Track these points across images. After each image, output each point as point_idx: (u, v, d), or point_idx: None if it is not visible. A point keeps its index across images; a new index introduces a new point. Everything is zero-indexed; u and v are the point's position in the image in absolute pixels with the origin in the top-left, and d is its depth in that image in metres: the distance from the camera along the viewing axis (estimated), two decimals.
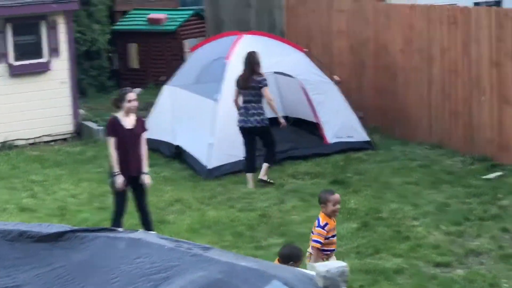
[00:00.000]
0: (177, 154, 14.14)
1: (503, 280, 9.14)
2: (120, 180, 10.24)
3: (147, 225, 10.43)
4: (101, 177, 13.57)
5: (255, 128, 12.83)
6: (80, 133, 16.55)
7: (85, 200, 12.62)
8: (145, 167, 10.44)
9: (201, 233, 10.92)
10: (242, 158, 13.22)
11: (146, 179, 10.42)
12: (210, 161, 13.31)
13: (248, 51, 13.10)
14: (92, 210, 12.09)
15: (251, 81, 12.76)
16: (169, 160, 14.17)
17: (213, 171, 13.28)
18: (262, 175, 12.85)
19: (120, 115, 10.44)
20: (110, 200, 12.37)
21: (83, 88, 19.56)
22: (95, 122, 16.64)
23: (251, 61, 12.81)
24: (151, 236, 6.21)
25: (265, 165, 12.91)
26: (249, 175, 12.88)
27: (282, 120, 13.11)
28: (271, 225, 11.17)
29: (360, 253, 10.02)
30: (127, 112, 10.40)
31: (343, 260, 9.58)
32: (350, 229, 10.81)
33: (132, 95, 10.48)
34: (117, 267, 5.81)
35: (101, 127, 16.12)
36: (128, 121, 10.40)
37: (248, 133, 12.90)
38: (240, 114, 12.88)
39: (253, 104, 12.76)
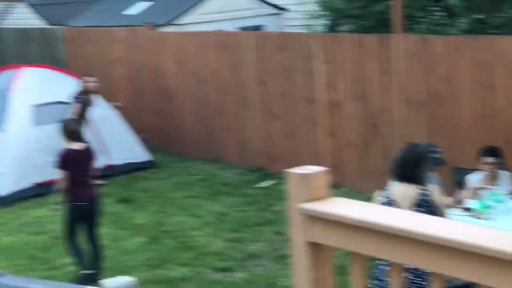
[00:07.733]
0: None
1: (280, 278, 9.14)
2: None
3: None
4: None
5: None
6: None
7: None
8: None
9: None
10: (33, 184, 12.80)
11: None
12: (2, 189, 12.66)
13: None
14: None
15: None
16: None
17: (5, 199, 12.64)
18: None
19: None
20: None
21: None
22: None
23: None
24: None
25: None
26: None
27: None
28: (63, 245, 10.71)
29: (149, 265, 9.73)
30: None
31: (133, 274, 9.36)
32: (138, 243, 10.57)
33: None
34: None
35: None
36: None
37: None
38: None
39: None
